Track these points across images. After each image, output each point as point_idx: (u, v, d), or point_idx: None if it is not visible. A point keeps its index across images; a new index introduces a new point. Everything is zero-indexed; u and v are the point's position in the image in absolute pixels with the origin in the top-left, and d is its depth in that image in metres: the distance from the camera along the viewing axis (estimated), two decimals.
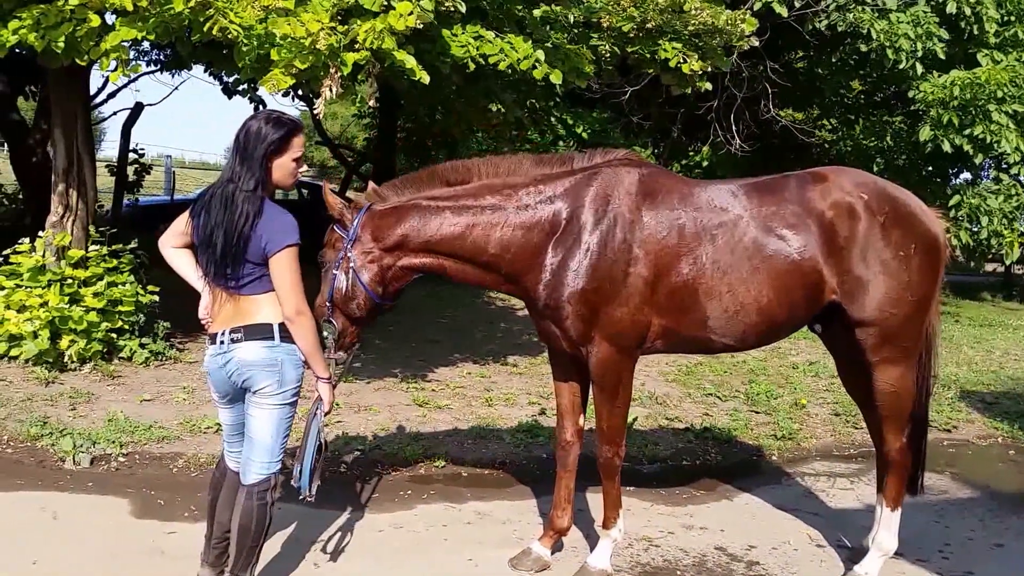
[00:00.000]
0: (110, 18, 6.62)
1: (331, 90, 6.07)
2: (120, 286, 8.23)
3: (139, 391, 7.43)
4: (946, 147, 14.22)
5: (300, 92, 13.83)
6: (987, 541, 5.52)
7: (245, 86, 8.59)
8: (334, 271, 4.33)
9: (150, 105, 16.77)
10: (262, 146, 3.72)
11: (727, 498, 6.07)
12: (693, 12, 8.29)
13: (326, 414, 4.11)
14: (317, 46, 5.78)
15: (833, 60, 17.35)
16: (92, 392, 7.26)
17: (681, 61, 8.30)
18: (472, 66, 7.08)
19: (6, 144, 16.60)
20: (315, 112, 6.41)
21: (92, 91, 12.53)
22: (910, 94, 14.78)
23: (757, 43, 9.04)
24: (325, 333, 4.27)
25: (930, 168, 16.60)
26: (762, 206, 4.49)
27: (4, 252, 8.24)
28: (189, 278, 4.01)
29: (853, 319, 4.49)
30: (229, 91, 14.14)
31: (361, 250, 4.34)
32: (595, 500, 5.24)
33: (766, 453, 7.09)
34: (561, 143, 17.22)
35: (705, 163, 19.38)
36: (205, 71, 11.11)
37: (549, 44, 7.56)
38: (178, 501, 5.36)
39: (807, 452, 7.23)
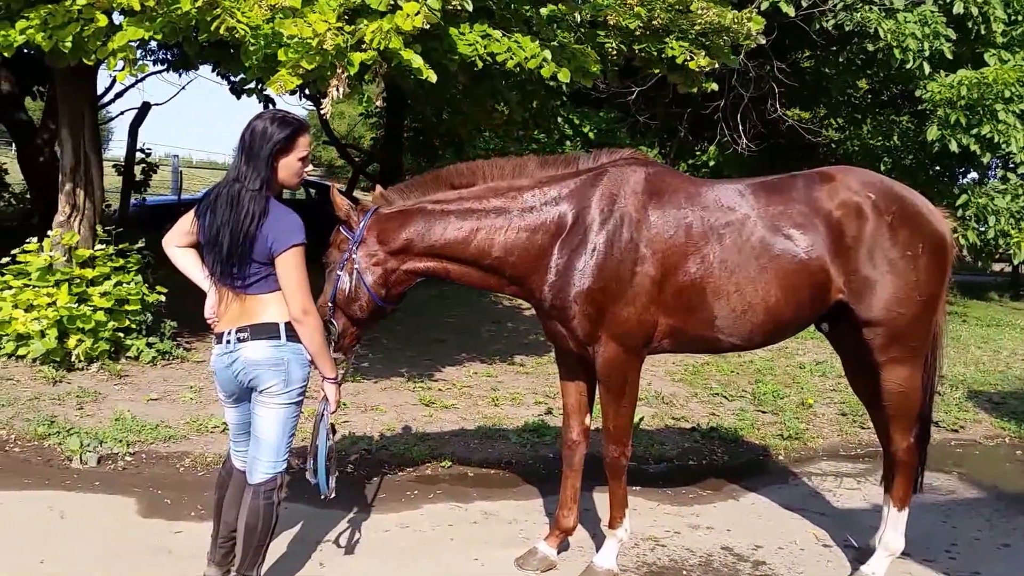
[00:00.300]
0: (117, 18, 6.64)
1: (338, 90, 6.08)
2: (127, 285, 8.25)
3: (146, 390, 7.45)
4: (953, 147, 14.17)
5: (307, 92, 13.85)
6: (994, 541, 5.50)
7: (253, 85, 8.58)
8: (338, 272, 4.33)
9: (157, 105, 16.80)
10: (268, 146, 3.72)
11: (733, 498, 6.07)
12: (699, 11, 8.28)
13: (332, 413, 4.12)
14: (324, 46, 5.79)
15: (840, 60, 17.28)
16: (99, 391, 7.27)
17: (688, 59, 8.29)
18: (480, 64, 7.08)
19: (14, 144, 16.67)
20: (322, 112, 6.40)
21: (99, 91, 12.60)
22: (917, 94, 14.73)
23: (764, 42, 9.03)
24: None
25: (937, 168, 16.55)
26: (769, 205, 4.48)
27: (12, 252, 8.27)
28: (194, 277, 4.01)
29: (861, 319, 4.48)
30: (237, 91, 14.14)
31: (366, 252, 4.34)
32: (601, 500, 5.23)
33: (773, 453, 7.08)
34: (568, 143, 17.19)
35: (712, 163, 19.35)
36: (212, 71, 11.12)
37: (555, 43, 7.56)
38: (185, 500, 5.37)
39: (814, 452, 7.22)
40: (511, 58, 7.04)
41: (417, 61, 6.18)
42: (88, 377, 7.67)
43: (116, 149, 34.38)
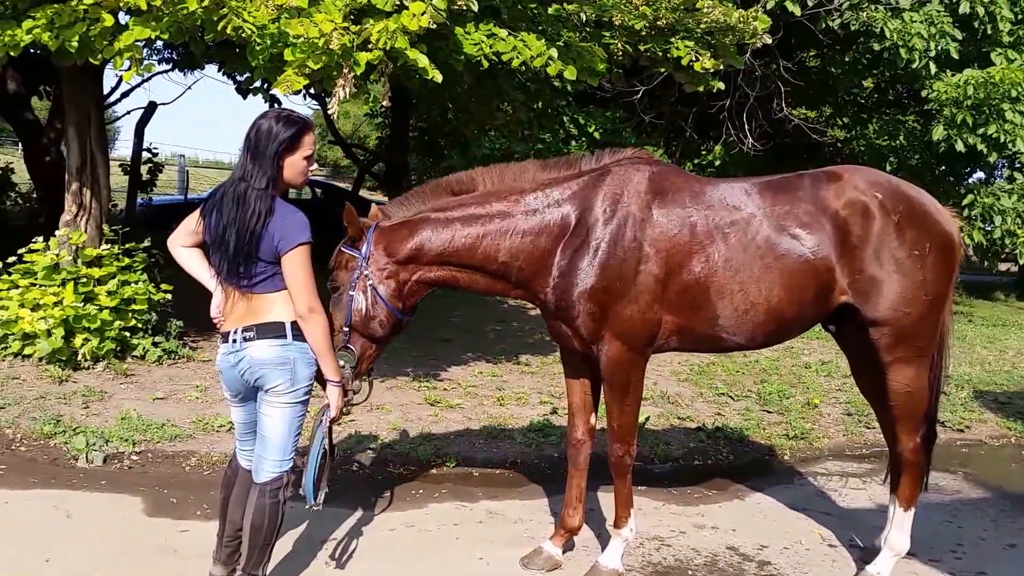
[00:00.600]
0: (123, 17, 6.64)
1: (344, 90, 6.08)
2: (133, 285, 8.26)
3: (152, 389, 7.45)
4: (959, 146, 14.15)
5: (313, 91, 13.85)
6: (1000, 541, 5.50)
7: (259, 85, 8.60)
8: (350, 292, 4.25)
9: (163, 104, 16.82)
10: (273, 144, 3.72)
11: (739, 498, 6.06)
12: (705, 10, 8.26)
13: (332, 420, 4.05)
14: (330, 46, 5.79)
15: (846, 59, 17.26)
16: (105, 390, 7.28)
17: (693, 59, 8.28)
18: (485, 64, 7.08)
19: (20, 143, 16.69)
20: (328, 111, 6.41)
21: (105, 90, 12.57)
22: (923, 93, 14.70)
23: (770, 41, 9.00)
24: (342, 363, 4.09)
25: (943, 167, 16.51)
26: (775, 204, 4.47)
27: (19, 251, 8.28)
28: (200, 276, 4.01)
29: (867, 318, 4.47)
30: (243, 91, 14.16)
31: (377, 266, 4.29)
32: (607, 499, 5.23)
33: (778, 453, 7.07)
34: (573, 143, 17.18)
35: (717, 162, 19.31)
36: (218, 71, 11.11)
37: (561, 43, 7.56)
38: (190, 499, 5.38)
39: (819, 452, 7.22)
40: (516, 57, 7.03)
41: (423, 61, 6.18)
42: (94, 376, 7.69)
43: (122, 149, 34.50)
